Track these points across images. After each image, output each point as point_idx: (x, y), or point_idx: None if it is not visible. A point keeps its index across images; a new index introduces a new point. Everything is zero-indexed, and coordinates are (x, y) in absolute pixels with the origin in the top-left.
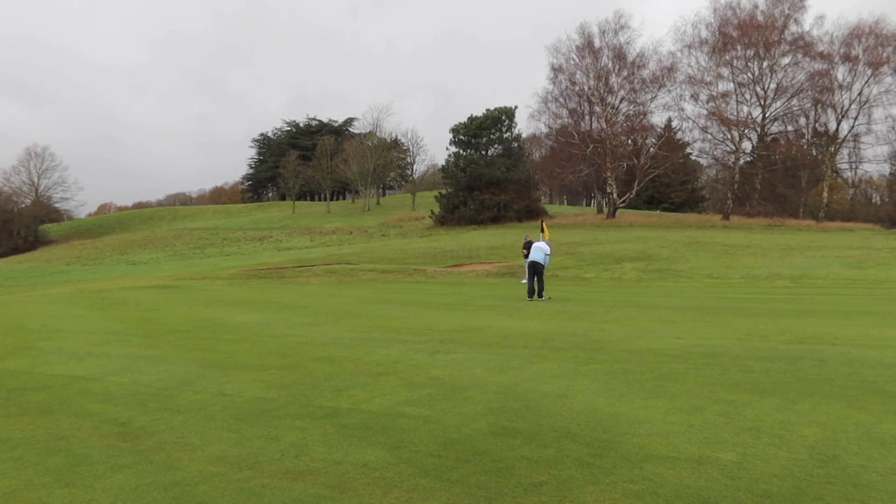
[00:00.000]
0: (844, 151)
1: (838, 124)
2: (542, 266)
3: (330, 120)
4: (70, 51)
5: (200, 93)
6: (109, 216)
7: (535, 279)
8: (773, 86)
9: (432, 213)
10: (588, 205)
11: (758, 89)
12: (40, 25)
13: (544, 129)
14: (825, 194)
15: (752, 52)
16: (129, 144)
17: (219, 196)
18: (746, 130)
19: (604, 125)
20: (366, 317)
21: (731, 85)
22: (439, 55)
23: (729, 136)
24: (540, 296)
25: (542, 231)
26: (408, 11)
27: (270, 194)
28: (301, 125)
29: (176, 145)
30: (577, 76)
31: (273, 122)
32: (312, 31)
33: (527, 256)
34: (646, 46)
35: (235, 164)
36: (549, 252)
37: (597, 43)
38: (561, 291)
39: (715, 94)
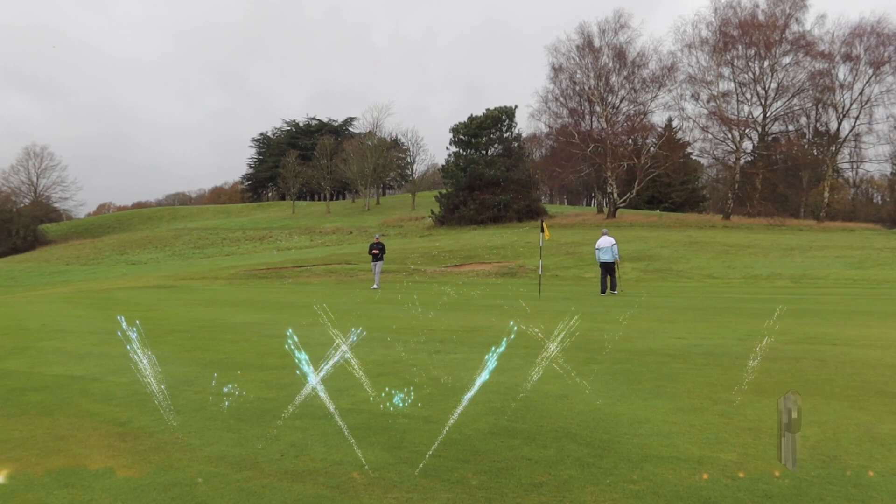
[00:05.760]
0: (845, 151)
1: (839, 124)
2: (613, 263)
3: (330, 119)
4: (87, 43)
5: (220, 88)
6: (109, 216)
7: (608, 277)
8: (773, 85)
9: (432, 212)
10: (588, 205)
11: (758, 89)
12: (57, 15)
13: (544, 129)
14: (826, 194)
15: (753, 51)
16: (143, 142)
17: (218, 196)
18: (747, 130)
19: (604, 125)
20: (366, 317)
21: (732, 84)
22: (476, 48)
23: (729, 136)
24: (613, 289)
25: (542, 231)
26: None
27: (270, 194)
28: (301, 125)
29: (192, 143)
30: (578, 76)
31: (296, 118)
32: (345, 21)
33: (374, 259)
34: (646, 46)
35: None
36: (614, 244)
37: (597, 42)
38: (561, 291)
39: (715, 93)
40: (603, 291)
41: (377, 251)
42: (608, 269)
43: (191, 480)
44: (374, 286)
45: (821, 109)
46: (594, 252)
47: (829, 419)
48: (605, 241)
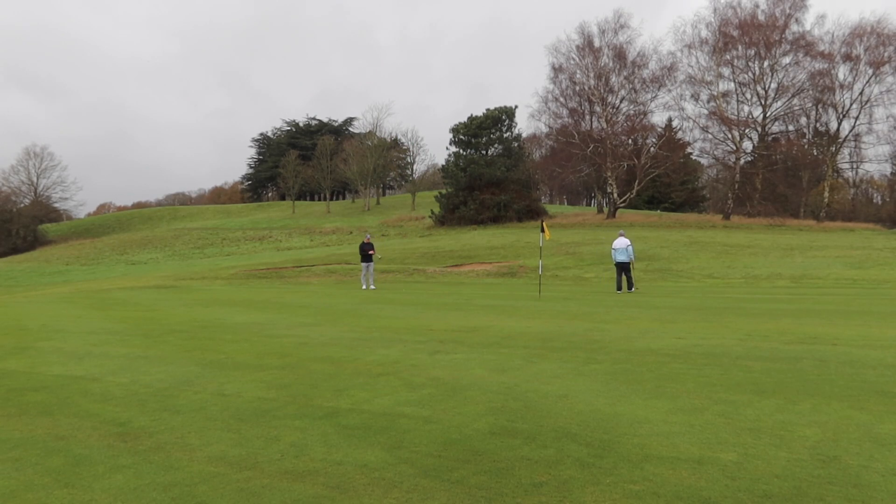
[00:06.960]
0: (845, 151)
1: (839, 124)
2: (628, 263)
3: (330, 119)
4: (88, 43)
5: (222, 88)
6: (109, 216)
7: (623, 275)
8: (773, 85)
9: (432, 213)
10: (588, 205)
11: (758, 89)
12: (57, 15)
13: (544, 129)
14: (826, 194)
15: (753, 51)
16: (143, 142)
17: (218, 196)
18: (747, 130)
19: (604, 125)
20: (366, 317)
21: (732, 84)
22: (480, 48)
23: (729, 136)
24: (630, 288)
25: (542, 231)
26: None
27: (270, 194)
28: (301, 125)
29: (193, 143)
30: (578, 76)
31: (297, 118)
32: (348, 21)
33: (364, 259)
34: (646, 46)
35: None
36: (629, 244)
37: (596, 42)
38: (561, 291)
39: (715, 93)
40: (619, 289)
41: (373, 251)
42: (624, 268)
43: (191, 480)
44: (371, 286)
45: (821, 109)
46: (609, 252)
47: (829, 419)
48: (621, 242)
